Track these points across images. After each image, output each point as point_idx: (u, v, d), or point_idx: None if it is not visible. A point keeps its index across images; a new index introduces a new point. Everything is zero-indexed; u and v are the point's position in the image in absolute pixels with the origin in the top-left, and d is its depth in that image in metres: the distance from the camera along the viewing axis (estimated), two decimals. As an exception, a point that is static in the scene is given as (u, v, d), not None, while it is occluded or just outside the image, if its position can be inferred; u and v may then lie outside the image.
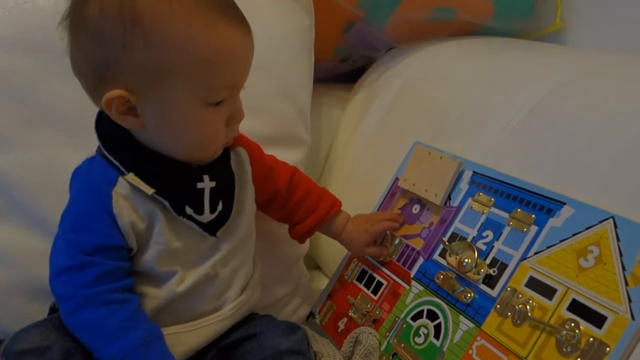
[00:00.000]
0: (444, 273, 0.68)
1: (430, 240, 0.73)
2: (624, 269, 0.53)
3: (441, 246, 0.71)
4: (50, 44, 0.58)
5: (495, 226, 0.66)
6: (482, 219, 0.68)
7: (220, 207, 0.64)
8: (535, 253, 0.61)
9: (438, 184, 0.74)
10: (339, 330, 0.79)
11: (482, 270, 0.64)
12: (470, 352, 0.61)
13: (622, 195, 0.58)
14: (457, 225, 0.71)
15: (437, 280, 0.69)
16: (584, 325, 0.53)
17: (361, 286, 0.79)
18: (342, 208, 0.80)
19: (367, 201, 0.84)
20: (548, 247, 0.60)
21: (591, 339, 0.52)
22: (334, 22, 1.04)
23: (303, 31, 0.92)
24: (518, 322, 0.58)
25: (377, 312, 0.74)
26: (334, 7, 0.99)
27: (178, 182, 0.61)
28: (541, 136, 0.69)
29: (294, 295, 0.88)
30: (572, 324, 0.54)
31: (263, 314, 0.73)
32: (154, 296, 0.62)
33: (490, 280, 0.63)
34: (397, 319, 0.71)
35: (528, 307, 0.58)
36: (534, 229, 0.62)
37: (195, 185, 0.62)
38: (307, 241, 0.88)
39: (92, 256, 0.58)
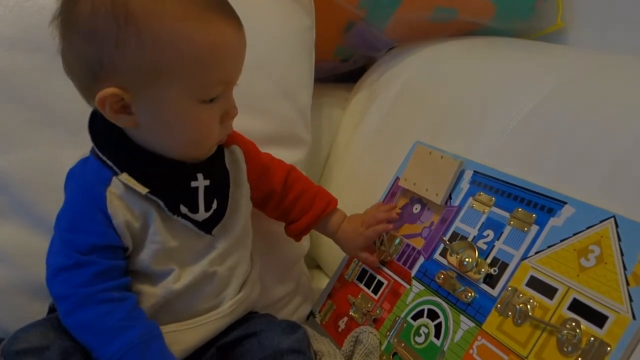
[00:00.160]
0: (444, 272, 0.68)
1: (431, 239, 0.73)
2: (625, 268, 0.53)
3: (442, 245, 0.71)
4: (51, 43, 0.59)
5: (496, 226, 0.66)
6: (483, 219, 0.68)
7: (215, 205, 0.64)
8: (536, 252, 0.60)
9: (439, 183, 0.74)
10: (340, 329, 0.79)
11: (482, 270, 0.64)
12: (471, 351, 0.61)
13: (623, 194, 0.58)
14: (457, 224, 0.71)
15: (437, 280, 0.68)
16: (584, 324, 0.53)
17: (362, 286, 0.79)
18: (343, 208, 0.80)
19: (367, 201, 0.84)
20: (549, 247, 0.60)
21: (592, 339, 0.52)
22: (334, 22, 1.04)
23: (304, 31, 0.92)
24: (519, 321, 0.58)
25: (378, 312, 0.74)
26: (335, 7, 0.99)
27: (172, 181, 0.61)
28: (542, 136, 0.69)
29: (294, 295, 0.88)
30: (573, 324, 0.54)
31: (263, 313, 0.73)
32: (151, 294, 0.62)
33: (491, 280, 0.63)
34: (397, 318, 0.71)
35: (529, 306, 0.58)
36: (534, 228, 0.62)
37: (189, 184, 0.62)
38: (308, 240, 0.88)
39: (88, 255, 0.58)
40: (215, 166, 0.65)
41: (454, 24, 1.04)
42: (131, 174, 0.59)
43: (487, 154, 0.73)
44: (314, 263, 1.06)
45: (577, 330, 0.53)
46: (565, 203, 0.60)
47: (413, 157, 0.80)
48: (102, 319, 0.57)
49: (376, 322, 0.74)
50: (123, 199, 0.59)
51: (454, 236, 0.70)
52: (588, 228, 0.57)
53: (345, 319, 0.79)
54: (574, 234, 0.58)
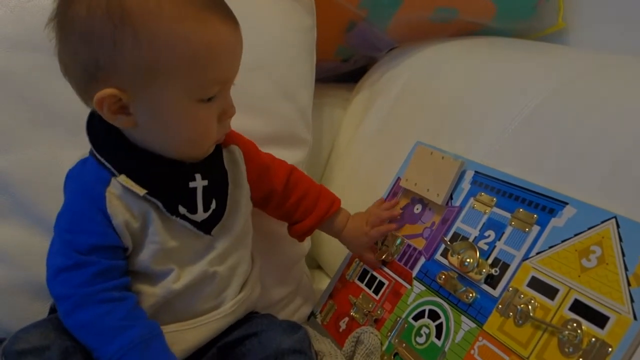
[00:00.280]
0: (445, 273, 0.68)
1: (432, 240, 0.73)
2: (626, 269, 0.53)
3: (443, 246, 0.71)
4: (52, 44, 0.59)
5: (497, 226, 0.66)
6: (484, 219, 0.68)
7: (213, 205, 0.64)
8: (537, 253, 0.60)
9: (440, 183, 0.74)
10: (341, 330, 0.79)
11: (483, 270, 0.64)
12: (472, 352, 0.61)
13: (624, 195, 0.58)
14: (459, 225, 0.71)
15: (438, 280, 0.68)
16: (586, 325, 0.53)
17: (363, 286, 0.79)
18: (343, 208, 0.80)
19: (368, 201, 0.83)
20: (550, 247, 0.60)
21: (593, 339, 0.52)
22: (335, 22, 1.04)
23: (304, 31, 0.92)
24: (520, 322, 0.58)
25: (379, 312, 0.74)
26: (336, 7, 0.99)
27: (170, 182, 0.61)
28: (543, 136, 0.69)
29: (295, 295, 0.88)
30: (574, 324, 0.54)
31: (264, 313, 0.73)
32: (150, 294, 0.62)
33: (492, 280, 0.63)
34: (398, 318, 0.71)
35: (530, 307, 0.58)
36: (536, 228, 0.62)
37: (187, 185, 0.62)
38: (309, 240, 0.88)
39: (88, 256, 0.58)
40: (213, 166, 0.65)
41: (454, 24, 1.04)
42: (129, 175, 0.59)
43: (488, 154, 0.73)
44: (315, 263, 1.06)
45: (579, 331, 0.53)
46: (567, 203, 0.60)
47: (414, 157, 0.80)
48: (102, 318, 0.57)
49: (377, 322, 0.74)
50: (122, 199, 0.59)
51: (455, 236, 0.70)
52: (589, 228, 0.57)
53: (346, 319, 0.79)
54: (575, 235, 0.58)
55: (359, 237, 0.78)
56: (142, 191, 0.59)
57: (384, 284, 0.76)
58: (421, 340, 0.67)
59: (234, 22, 0.59)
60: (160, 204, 0.60)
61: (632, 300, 0.51)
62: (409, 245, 0.76)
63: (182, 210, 0.61)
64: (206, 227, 0.64)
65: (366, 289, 0.78)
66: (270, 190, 0.74)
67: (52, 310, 0.66)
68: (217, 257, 0.65)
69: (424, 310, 0.69)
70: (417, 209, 0.78)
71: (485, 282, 0.64)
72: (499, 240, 0.65)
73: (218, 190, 0.65)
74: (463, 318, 0.64)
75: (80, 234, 0.59)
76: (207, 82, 0.57)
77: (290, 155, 0.83)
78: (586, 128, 0.65)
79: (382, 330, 0.72)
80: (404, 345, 0.69)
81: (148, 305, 0.61)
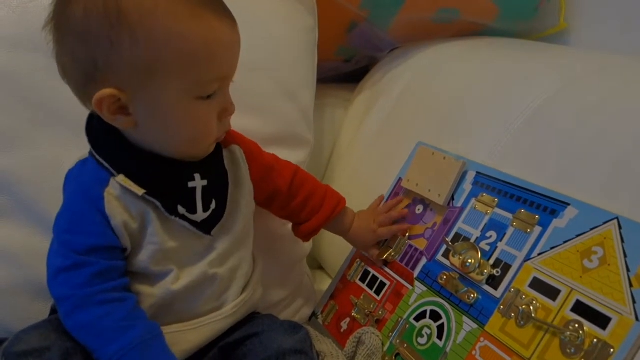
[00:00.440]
0: (447, 273, 0.68)
1: (433, 240, 0.73)
2: (628, 270, 0.53)
3: (444, 247, 0.71)
4: (51, 46, 0.59)
5: (498, 227, 0.66)
6: (486, 220, 0.68)
7: (213, 205, 0.64)
8: (539, 254, 0.60)
9: (441, 184, 0.74)
10: (342, 330, 0.79)
11: (485, 271, 0.64)
12: (474, 352, 0.61)
13: (626, 196, 0.58)
14: (460, 225, 0.71)
15: (440, 281, 0.68)
16: (588, 326, 0.53)
17: (364, 286, 0.79)
18: (348, 207, 0.80)
19: (370, 201, 0.84)
20: (552, 248, 0.60)
21: (595, 340, 0.52)
22: (337, 23, 1.04)
23: (306, 31, 0.92)
24: (522, 323, 0.58)
25: (380, 313, 0.74)
26: (338, 7, 0.99)
27: (169, 181, 0.61)
28: (545, 137, 0.69)
29: (296, 296, 0.88)
30: (576, 325, 0.53)
31: (265, 314, 0.73)
32: (149, 295, 0.61)
33: (493, 281, 0.63)
34: (400, 319, 0.71)
35: (532, 308, 0.58)
36: (537, 229, 0.62)
37: (186, 185, 0.62)
38: (310, 240, 0.88)
39: (86, 256, 0.58)
40: (213, 166, 0.65)
41: (456, 24, 1.04)
42: (128, 175, 0.59)
43: (490, 155, 0.73)
44: (316, 263, 1.06)
45: (580, 332, 0.53)
46: (569, 204, 0.60)
47: (416, 157, 0.80)
48: (101, 319, 0.57)
49: (379, 323, 0.74)
50: (121, 200, 0.59)
51: (457, 237, 0.70)
52: (591, 229, 0.57)
53: (348, 319, 0.79)
54: (577, 236, 0.58)
55: (366, 235, 0.79)
56: (140, 191, 0.59)
57: (385, 284, 0.76)
58: (423, 340, 0.67)
59: (231, 19, 0.58)
60: (159, 204, 0.60)
61: (634, 301, 0.51)
62: (410, 246, 0.76)
63: (181, 210, 0.61)
64: (206, 227, 0.64)
65: (367, 289, 0.78)
66: (274, 190, 0.74)
67: (53, 310, 0.66)
68: (217, 258, 0.65)
69: (425, 311, 0.69)
70: (419, 210, 0.78)
71: (487, 282, 0.64)
72: (501, 241, 0.65)
73: (218, 190, 0.65)
74: (464, 319, 0.64)
75: (79, 235, 0.59)
76: (206, 79, 0.57)
77: (292, 156, 0.83)
78: (588, 129, 0.65)
79: (384, 331, 0.72)
80: (406, 345, 0.69)
81: (147, 306, 0.61)
